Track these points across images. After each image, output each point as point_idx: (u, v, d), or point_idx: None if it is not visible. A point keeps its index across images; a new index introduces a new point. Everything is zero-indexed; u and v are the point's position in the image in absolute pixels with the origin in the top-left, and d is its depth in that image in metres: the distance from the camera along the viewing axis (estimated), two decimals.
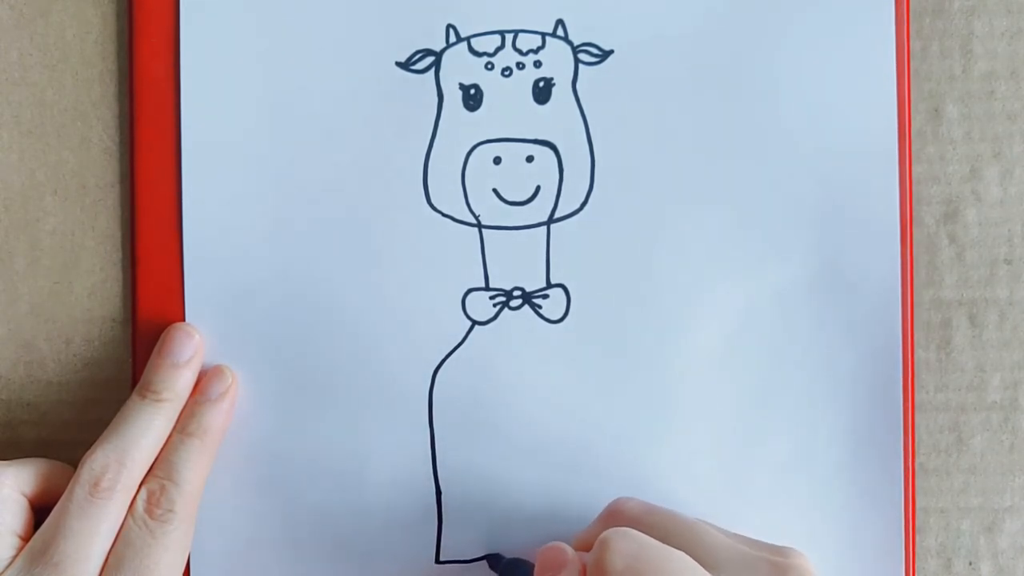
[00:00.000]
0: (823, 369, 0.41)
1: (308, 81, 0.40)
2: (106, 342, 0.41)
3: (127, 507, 0.38)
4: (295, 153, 0.40)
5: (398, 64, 0.41)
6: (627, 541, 0.34)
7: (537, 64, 0.41)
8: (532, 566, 0.37)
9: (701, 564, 0.34)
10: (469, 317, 0.41)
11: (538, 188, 0.41)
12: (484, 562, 0.41)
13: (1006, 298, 0.42)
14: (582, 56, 0.41)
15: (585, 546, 0.37)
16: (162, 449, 0.39)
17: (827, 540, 0.41)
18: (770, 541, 0.36)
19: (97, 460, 0.38)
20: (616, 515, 0.38)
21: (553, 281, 0.41)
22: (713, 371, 0.41)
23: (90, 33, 0.41)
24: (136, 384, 0.40)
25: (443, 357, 0.41)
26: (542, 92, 0.41)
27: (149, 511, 0.37)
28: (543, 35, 0.41)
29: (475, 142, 0.41)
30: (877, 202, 0.41)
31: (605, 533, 0.35)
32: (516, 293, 0.41)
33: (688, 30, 0.41)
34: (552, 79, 0.41)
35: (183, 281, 0.40)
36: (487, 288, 0.41)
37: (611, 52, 0.41)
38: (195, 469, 0.38)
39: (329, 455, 0.40)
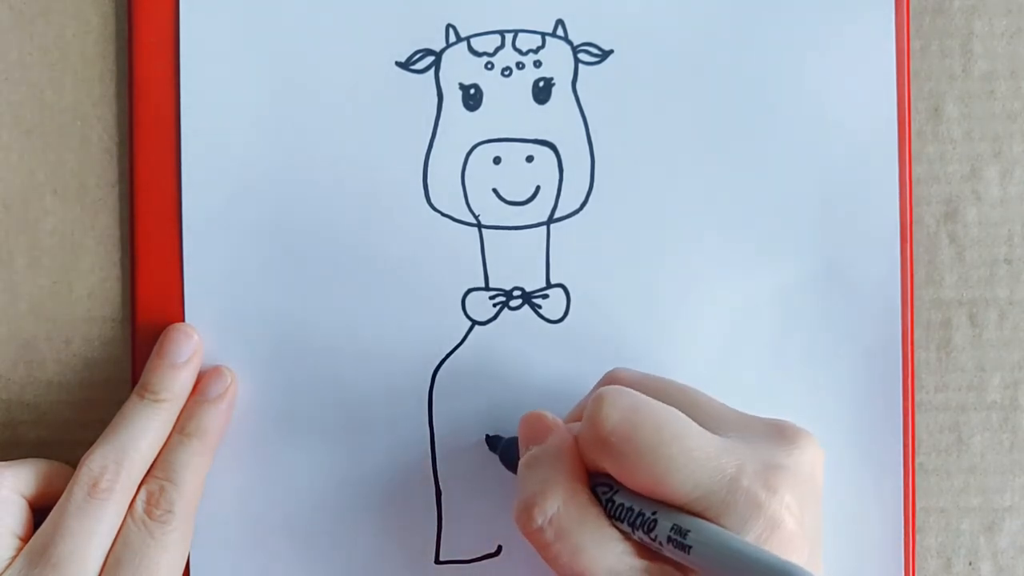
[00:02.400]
0: (823, 369, 0.41)
1: (308, 81, 0.40)
2: (106, 342, 0.41)
3: (126, 508, 0.38)
4: (295, 153, 0.40)
5: (398, 64, 0.41)
6: (623, 396, 0.34)
7: (537, 64, 0.41)
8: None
9: (701, 426, 0.33)
10: (469, 317, 0.41)
11: (538, 188, 0.41)
12: (485, 560, 0.41)
13: (1006, 298, 0.42)
14: (582, 56, 0.41)
15: (579, 418, 0.36)
16: (161, 450, 0.39)
17: (827, 539, 0.40)
18: None
19: (96, 461, 0.37)
20: (612, 382, 0.37)
21: (553, 281, 0.41)
22: (713, 371, 0.41)
23: (90, 33, 0.41)
24: (136, 384, 0.40)
25: (443, 357, 0.41)
26: (542, 92, 0.41)
27: (148, 512, 0.37)
28: (543, 35, 0.41)
29: (475, 142, 0.41)
30: (877, 202, 0.41)
31: (600, 390, 0.34)
32: (516, 293, 0.41)
33: (688, 30, 0.41)
34: (552, 79, 0.41)
35: (183, 281, 0.40)
36: (487, 288, 0.41)
37: (611, 52, 0.41)
38: (194, 470, 0.38)
39: (329, 455, 0.40)
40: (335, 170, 0.40)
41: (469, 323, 0.41)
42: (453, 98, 0.41)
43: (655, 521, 0.32)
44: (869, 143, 0.41)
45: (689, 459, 0.32)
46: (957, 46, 0.42)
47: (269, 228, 0.40)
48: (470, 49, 0.40)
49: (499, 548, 0.41)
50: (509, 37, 0.41)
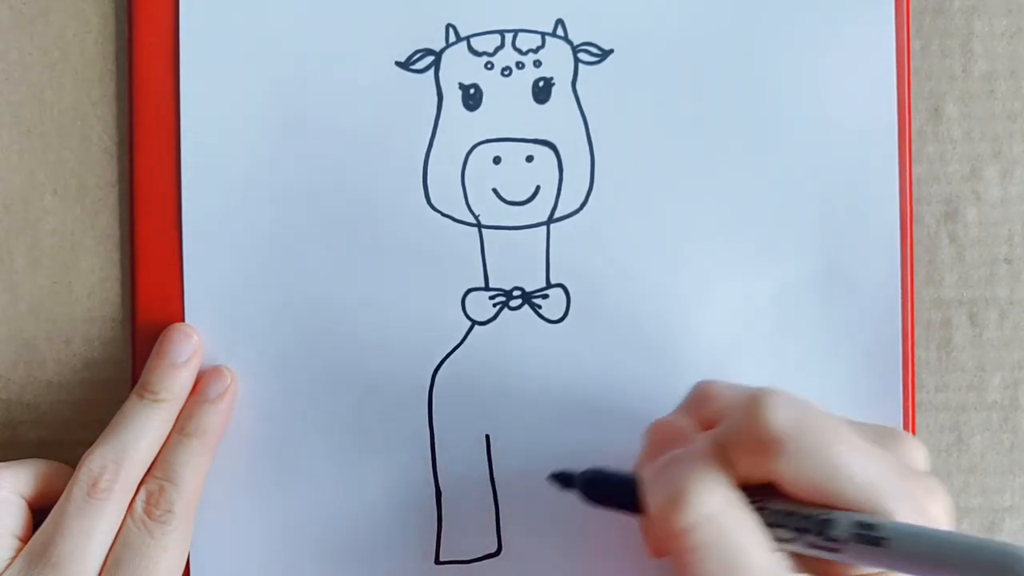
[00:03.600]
0: (823, 369, 0.41)
1: (308, 81, 0.40)
2: (106, 342, 0.41)
3: (126, 507, 0.38)
4: (294, 153, 0.40)
5: (398, 64, 0.41)
6: (785, 398, 0.32)
7: (537, 64, 0.41)
8: (622, 475, 0.35)
9: None
10: (469, 317, 0.41)
11: (538, 188, 0.41)
12: (485, 561, 0.41)
13: (1006, 298, 0.42)
14: (582, 56, 0.41)
15: (677, 434, 0.35)
16: (161, 449, 0.39)
17: None
18: None
19: (95, 460, 0.38)
20: (705, 392, 0.36)
21: (553, 281, 0.41)
22: (713, 371, 0.41)
23: (90, 33, 0.41)
24: (135, 384, 0.40)
25: (443, 357, 0.41)
26: (542, 92, 0.41)
27: (148, 512, 0.37)
28: (543, 35, 0.41)
29: (475, 142, 0.41)
30: (877, 201, 0.41)
31: (754, 394, 0.32)
32: (516, 293, 0.41)
33: (688, 30, 0.41)
34: (552, 79, 0.41)
35: (182, 281, 0.40)
36: (487, 288, 0.41)
37: (611, 52, 0.41)
38: (193, 469, 0.38)
39: (329, 455, 0.40)
40: (335, 170, 0.40)
41: (469, 323, 0.41)
42: (453, 98, 0.41)
43: (829, 521, 0.31)
44: (869, 143, 0.41)
45: (858, 455, 0.31)
46: (957, 46, 0.42)
47: (269, 228, 0.40)
48: (470, 49, 0.40)
49: (499, 548, 0.41)
50: (509, 37, 0.41)
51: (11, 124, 0.41)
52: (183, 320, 0.40)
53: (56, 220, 0.41)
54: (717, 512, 0.31)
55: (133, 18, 0.40)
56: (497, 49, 0.40)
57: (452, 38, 0.40)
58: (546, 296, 0.41)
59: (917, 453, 0.34)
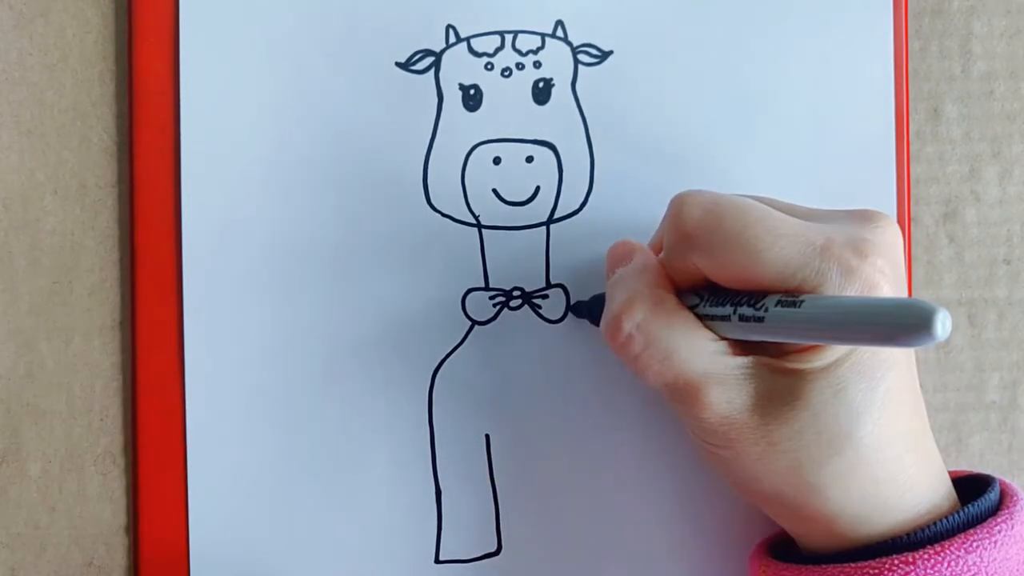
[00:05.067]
0: None
1: (308, 81, 0.40)
2: (106, 342, 0.41)
3: None
4: (294, 153, 0.40)
5: (398, 64, 0.41)
6: (702, 193, 0.34)
7: (537, 65, 0.41)
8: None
9: None
10: (469, 317, 0.41)
11: (538, 188, 0.41)
12: (485, 560, 0.41)
13: (1005, 298, 0.42)
14: (581, 57, 0.41)
15: (657, 248, 0.37)
16: None
17: None
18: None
19: None
20: (682, 200, 0.36)
21: (553, 281, 0.41)
22: None
23: (90, 33, 0.41)
24: (135, 384, 0.40)
25: (443, 357, 0.41)
26: (542, 93, 0.41)
27: None
28: (543, 36, 0.41)
29: (475, 142, 0.41)
30: (876, 202, 0.41)
31: (677, 194, 0.34)
32: (516, 293, 0.41)
33: (687, 31, 0.41)
34: (552, 80, 0.41)
35: (182, 281, 0.40)
36: (487, 288, 0.41)
37: (611, 52, 0.41)
38: None
39: (329, 455, 0.40)
40: (335, 170, 0.40)
41: (469, 323, 0.41)
42: (453, 98, 0.41)
43: (759, 297, 0.32)
44: (868, 143, 0.41)
45: (777, 236, 0.32)
46: (956, 47, 0.42)
47: (269, 228, 0.40)
48: (470, 50, 0.40)
49: (499, 548, 0.41)
50: (509, 38, 0.41)
51: (11, 124, 0.41)
52: (182, 320, 0.40)
53: (56, 220, 0.41)
54: (645, 320, 0.33)
55: (133, 18, 0.40)
56: (497, 50, 0.41)
57: (452, 39, 0.40)
58: (546, 296, 0.41)
59: (887, 229, 0.33)
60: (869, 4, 0.41)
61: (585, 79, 0.41)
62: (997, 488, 0.35)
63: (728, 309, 0.33)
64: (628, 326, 0.34)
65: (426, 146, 0.41)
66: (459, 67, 0.40)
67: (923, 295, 0.41)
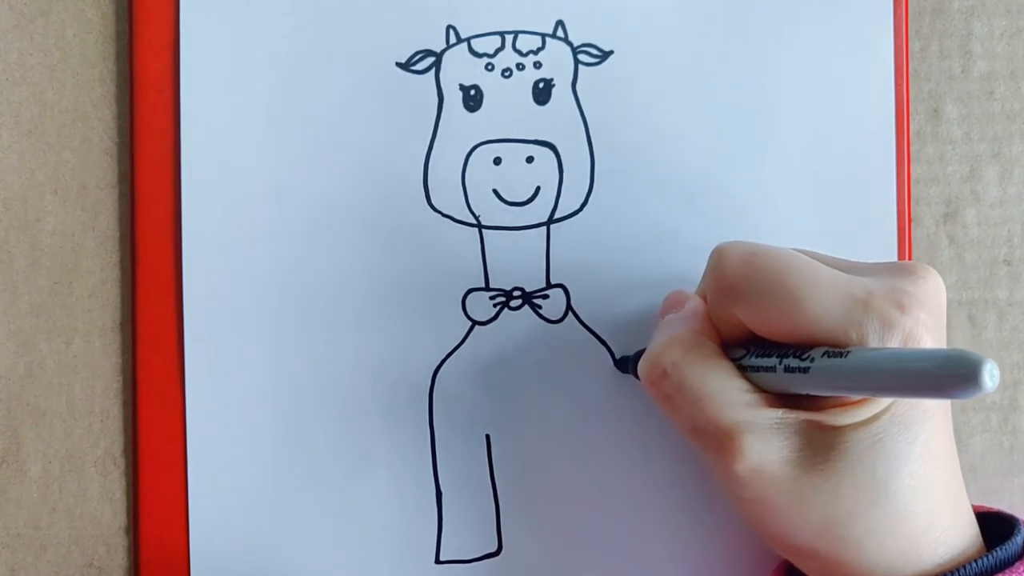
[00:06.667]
0: None
1: (308, 81, 0.40)
2: (106, 342, 0.41)
3: None
4: (295, 153, 0.40)
5: (398, 65, 0.41)
6: (741, 244, 0.34)
7: (537, 65, 0.41)
8: None
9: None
10: (469, 317, 0.41)
11: (538, 189, 0.41)
12: (485, 561, 0.41)
13: (1005, 299, 0.42)
14: (582, 57, 0.41)
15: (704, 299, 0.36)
16: None
17: None
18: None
19: None
20: (722, 251, 0.36)
21: (553, 281, 0.41)
22: None
23: (90, 33, 0.41)
24: (136, 385, 0.40)
25: (443, 357, 0.41)
26: (542, 93, 0.41)
27: None
28: (543, 36, 0.41)
29: (475, 143, 0.41)
30: (876, 202, 0.41)
31: (717, 245, 0.35)
32: (516, 293, 0.41)
33: (687, 31, 0.41)
34: (552, 80, 0.41)
35: (182, 281, 0.40)
36: (487, 288, 0.41)
37: (611, 53, 0.41)
38: None
39: (329, 455, 0.40)
40: (335, 171, 0.40)
41: (469, 323, 0.41)
42: (453, 99, 0.41)
43: (805, 349, 0.31)
44: (868, 144, 0.41)
45: (817, 287, 0.32)
46: (956, 47, 0.42)
47: (269, 228, 0.40)
48: (470, 50, 0.40)
49: (499, 548, 0.41)
50: (509, 38, 0.41)
51: (11, 124, 0.41)
52: (181, 320, 0.40)
53: (56, 220, 0.41)
54: (680, 361, 0.33)
55: (133, 18, 0.40)
56: (497, 50, 0.40)
57: (452, 39, 0.40)
58: (546, 296, 0.41)
59: (929, 282, 0.33)
60: (869, 4, 0.41)
61: (585, 79, 0.41)
62: (1021, 531, 0.34)
63: (773, 360, 0.32)
64: (663, 365, 0.34)
65: (426, 146, 0.41)
66: (459, 67, 0.40)
67: None
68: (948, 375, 0.27)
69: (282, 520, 0.40)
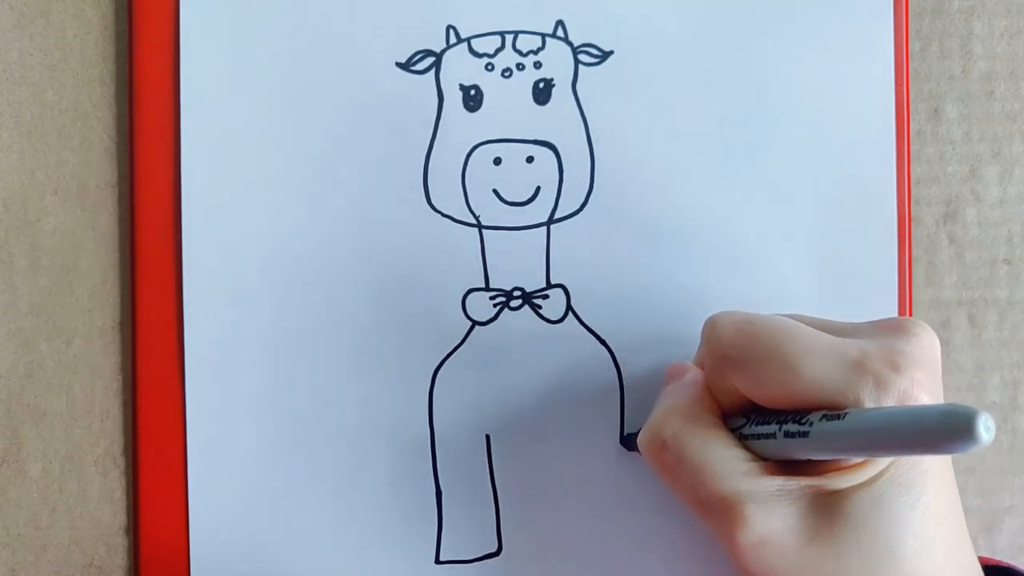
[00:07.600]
0: None
1: (308, 81, 0.40)
2: (106, 342, 0.41)
3: None
4: (295, 153, 0.40)
5: (398, 65, 0.41)
6: (734, 313, 0.34)
7: (537, 65, 0.41)
8: None
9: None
10: (469, 317, 0.41)
11: (538, 189, 0.41)
12: (485, 561, 0.41)
13: (1005, 298, 0.42)
14: (582, 57, 0.41)
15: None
16: None
17: None
18: None
19: None
20: (715, 322, 0.37)
21: (553, 281, 0.41)
22: None
23: (90, 33, 0.41)
24: (136, 385, 0.40)
25: (443, 357, 0.41)
26: (542, 93, 0.41)
27: None
28: (543, 36, 0.41)
29: (475, 143, 0.41)
30: (876, 202, 0.41)
31: (710, 316, 0.35)
32: (516, 293, 0.41)
33: (687, 31, 0.41)
34: (552, 80, 0.41)
35: (182, 282, 0.40)
36: (487, 288, 0.41)
37: (611, 53, 0.41)
38: None
39: (329, 455, 0.40)
40: (335, 171, 0.40)
41: (469, 323, 0.41)
42: (453, 99, 0.41)
43: (804, 414, 0.32)
44: (868, 144, 0.41)
45: (811, 353, 0.32)
46: (957, 47, 0.42)
47: (269, 228, 0.40)
48: (470, 50, 0.40)
49: (499, 548, 0.41)
50: (509, 38, 0.41)
51: (11, 124, 0.41)
52: (182, 320, 0.40)
53: (56, 220, 0.41)
54: (680, 432, 0.34)
55: (133, 18, 0.40)
56: (497, 50, 0.40)
57: (453, 39, 0.40)
58: (546, 296, 0.41)
59: (923, 339, 0.33)
60: (869, 4, 0.41)
61: (585, 79, 0.41)
62: None
63: (773, 427, 0.32)
64: (663, 437, 0.34)
65: (426, 146, 0.41)
66: (459, 67, 0.40)
67: (923, 295, 0.41)
68: (942, 431, 0.27)
69: (282, 520, 0.40)
